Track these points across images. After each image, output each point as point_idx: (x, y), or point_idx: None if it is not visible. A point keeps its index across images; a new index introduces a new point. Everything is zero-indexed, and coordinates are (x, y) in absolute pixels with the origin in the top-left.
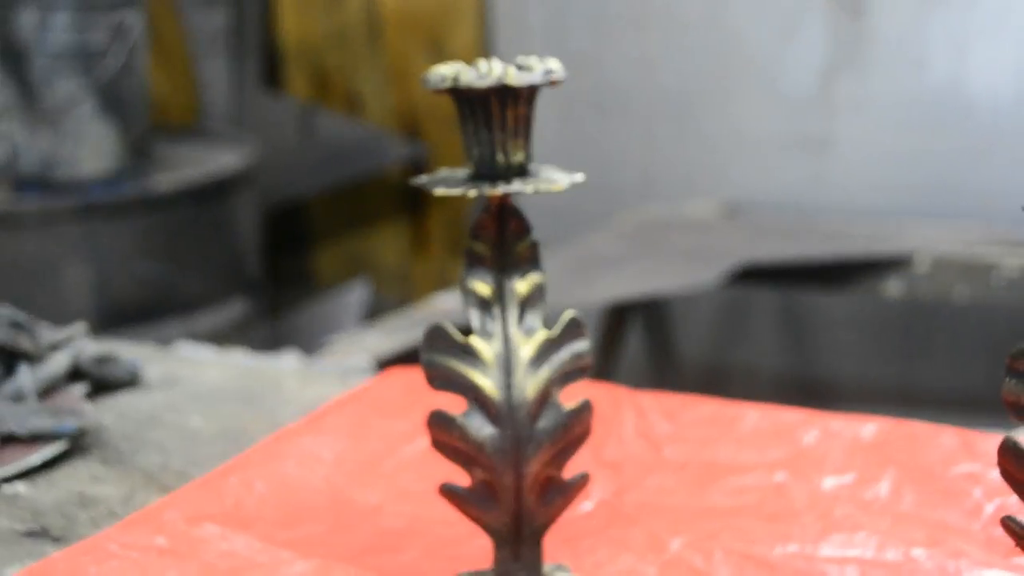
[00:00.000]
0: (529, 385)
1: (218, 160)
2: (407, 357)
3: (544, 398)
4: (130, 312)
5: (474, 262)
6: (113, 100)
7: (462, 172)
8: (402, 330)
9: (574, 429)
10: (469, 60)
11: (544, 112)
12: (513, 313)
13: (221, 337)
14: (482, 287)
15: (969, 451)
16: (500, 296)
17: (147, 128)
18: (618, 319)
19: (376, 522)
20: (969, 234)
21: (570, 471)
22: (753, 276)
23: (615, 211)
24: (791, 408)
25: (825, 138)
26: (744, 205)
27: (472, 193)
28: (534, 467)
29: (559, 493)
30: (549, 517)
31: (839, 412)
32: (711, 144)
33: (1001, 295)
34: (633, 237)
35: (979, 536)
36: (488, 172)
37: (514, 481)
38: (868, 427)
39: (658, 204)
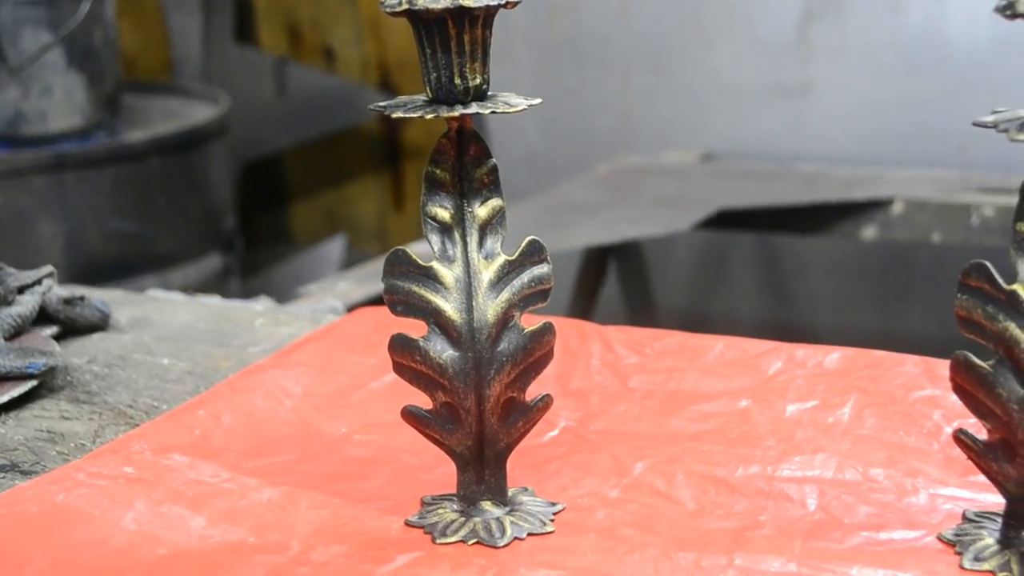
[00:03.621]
0: (490, 308)
1: (191, 114)
2: (379, 304)
3: (505, 321)
4: (103, 267)
5: (434, 187)
6: (82, 53)
7: (421, 97)
8: (374, 278)
9: (535, 351)
10: None
11: (520, 61)
12: (473, 237)
13: (196, 292)
14: (442, 212)
15: (931, 377)
16: (460, 220)
17: (118, 81)
18: (596, 265)
19: (343, 451)
20: (946, 179)
21: (533, 396)
22: (730, 221)
23: (593, 161)
24: (757, 340)
25: (803, 84)
26: (722, 153)
27: (430, 116)
28: (495, 389)
29: (521, 415)
30: (512, 439)
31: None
32: (689, 92)
33: (976, 238)
34: (609, 185)
35: (937, 456)
36: (446, 96)
37: (476, 403)
38: (832, 356)
39: (636, 153)
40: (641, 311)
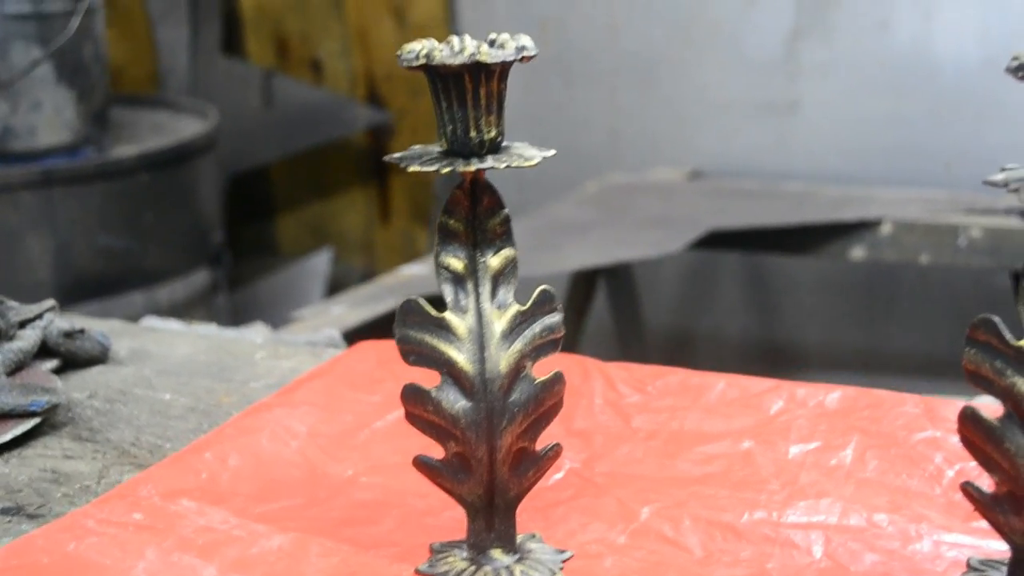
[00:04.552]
0: (502, 359)
1: (179, 128)
2: (374, 328)
3: (517, 371)
4: (92, 284)
5: (447, 237)
6: (71, 67)
7: (435, 148)
8: (368, 301)
9: (546, 401)
10: (433, 25)
11: (509, 79)
12: (486, 288)
13: (184, 308)
14: (455, 262)
15: (931, 418)
16: (473, 271)
17: (106, 96)
18: (586, 286)
19: (350, 494)
20: (934, 199)
21: (542, 442)
22: (719, 241)
23: (581, 178)
24: (758, 377)
25: (791, 102)
26: (710, 170)
27: (446, 170)
28: (507, 439)
29: (532, 464)
30: (522, 488)
31: (805, 374)
32: (677, 109)
33: (964, 259)
34: (599, 203)
35: (940, 500)
36: (462, 149)
37: (487, 453)
38: (833, 395)
39: (624, 170)
40: (630, 329)
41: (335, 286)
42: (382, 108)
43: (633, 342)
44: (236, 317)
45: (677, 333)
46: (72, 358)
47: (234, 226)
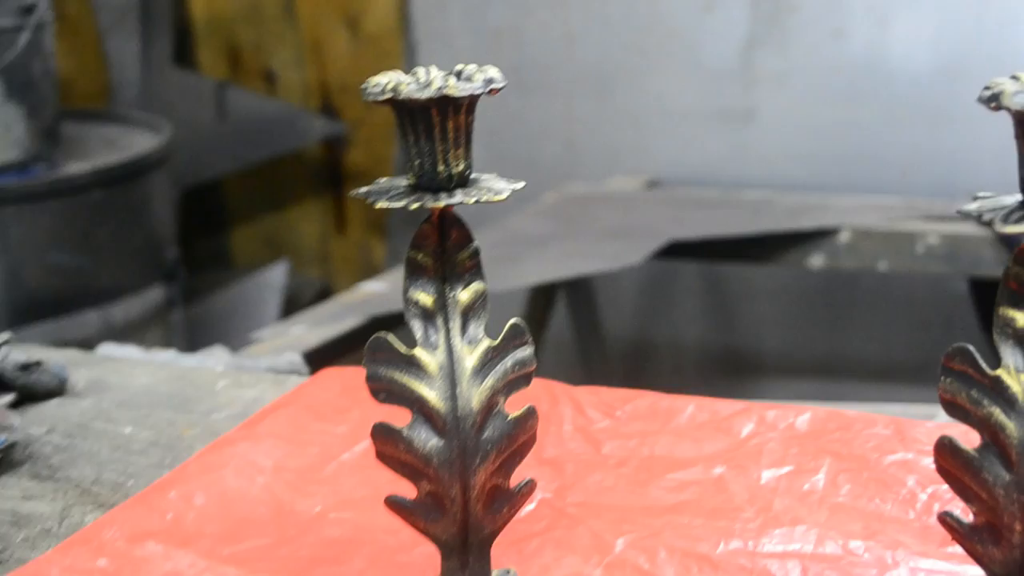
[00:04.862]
0: (474, 396)
1: (131, 142)
2: (335, 348)
3: (489, 408)
4: (45, 304)
5: (416, 272)
6: (20, 84)
7: (402, 181)
8: (328, 320)
9: (519, 438)
10: (387, 36)
11: None
12: (456, 323)
13: (140, 325)
14: (424, 297)
15: (902, 439)
16: (443, 306)
17: (56, 112)
18: (545, 296)
19: (320, 531)
20: (890, 206)
21: (515, 476)
22: (678, 251)
23: (539, 188)
24: (727, 400)
25: (747, 110)
26: (668, 178)
27: (415, 206)
28: (481, 478)
29: (506, 502)
30: (496, 526)
31: (765, 381)
32: (633, 118)
33: (922, 266)
34: (557, 215)
35: (914, 525)
36: (430, 183)
37: (461, 492)
38: (803, 417)
39: (582, 180)
40: (590, 339)
41: (292, 299)
42: (337, 119)
43: (593, 352)
44: (192, 333)
45: (637, 342)
46: (29, 392)
47: (188, 240)
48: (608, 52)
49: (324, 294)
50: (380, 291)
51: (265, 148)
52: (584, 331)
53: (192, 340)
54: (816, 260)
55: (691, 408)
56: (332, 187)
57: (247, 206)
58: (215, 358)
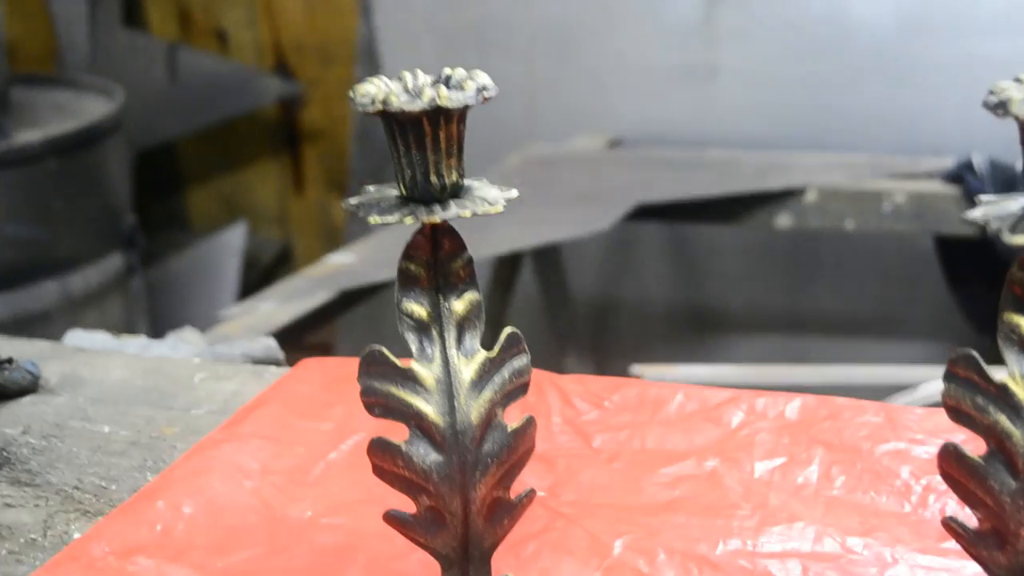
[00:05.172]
0: (473, 409)
1: (82, 108)
2: (305, 324)
3: (488, 421)
4: (2, 275)
5: (408, 283)
6: None
7: (392, 191)
8: (297, 296)
9: (519, 448)
10: None
11: (423, 47)
12: (452, 335)
13: (100, 294)
14: (418, 309)
15: (893, 427)
16: (437, 317)
17: (5, 77)
18: (511, 260)
19: (312, 539)
20: (855, 163)
21: (514, 487)
22: (645, 213)
23: (501, 149)
24: (715, 388)
25: (709, 68)
26: (631, 137)
27: (409, 220)
28: (482, 491)
29: (506, 513)
30: (497, 538)
31: (731, 337)
32: (595, 77)
33: (889, 224)
34: (522, 178)
35: (911, 519)
36: (422, 195)
37: (462, 506)
38: (793, 404)
39: (543, 140)
40: (557, 300)
41: (251, 259)
42: (291, 78)
43: (560, 313)
44: (153, 299)
45: (605, 303)
46: (1, 390)
47: (144, 203)
48: (569, 9)
49: (284, 254)
50: (348, 263)
51: (219, 109)
52: (551, 292)
53: (153, 307)
54: (783, 220)
55: (680, 396)
56: (289, 146)
57: (203, 168)
58: (188, 344)
